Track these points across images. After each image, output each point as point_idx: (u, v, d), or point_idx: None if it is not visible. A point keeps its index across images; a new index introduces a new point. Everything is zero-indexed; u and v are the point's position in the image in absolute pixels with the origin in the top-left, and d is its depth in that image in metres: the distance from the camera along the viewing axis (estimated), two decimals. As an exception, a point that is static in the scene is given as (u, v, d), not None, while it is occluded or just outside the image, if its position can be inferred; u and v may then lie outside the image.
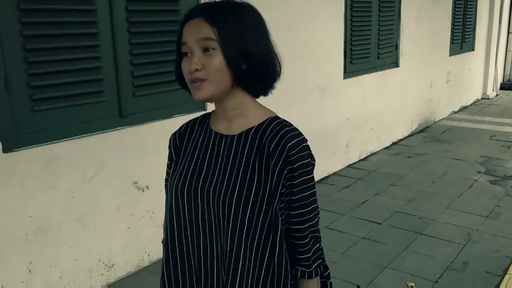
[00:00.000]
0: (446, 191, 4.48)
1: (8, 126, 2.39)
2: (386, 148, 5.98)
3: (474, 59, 8.44)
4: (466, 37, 7.92)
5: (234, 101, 1.14)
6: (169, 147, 1.27)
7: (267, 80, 1.15)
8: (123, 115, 2.90)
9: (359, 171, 5.12)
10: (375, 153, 5.75)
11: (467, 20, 7.79)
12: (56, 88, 2.58)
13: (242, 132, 1.15)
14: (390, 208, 4.11)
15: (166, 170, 1.26)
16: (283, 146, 1.09)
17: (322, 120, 4.75)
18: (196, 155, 1.19)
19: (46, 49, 2.52)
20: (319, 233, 1.21)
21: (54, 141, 2.59)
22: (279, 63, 1.16)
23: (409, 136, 6.52)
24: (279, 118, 1.17)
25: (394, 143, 6.16)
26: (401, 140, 6.32)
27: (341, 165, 5.17)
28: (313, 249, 1.18)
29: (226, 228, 1.10)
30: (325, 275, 1.26)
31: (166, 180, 1.25)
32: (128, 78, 2.91)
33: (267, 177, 1.10)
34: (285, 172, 1.10)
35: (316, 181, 4.70)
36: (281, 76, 1.16)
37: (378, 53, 5.53)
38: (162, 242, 1.23)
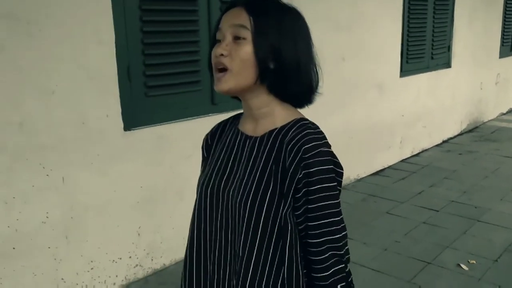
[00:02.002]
0: (499, 184, 4.69)
1: (129, 108, 2.81)
2: (437, 145, 6.20)
3: (523, 62, 8.52)
4: (516, 39, 8.02)
5: (258, 100, 1.10)
6: (202, 147, 1.25)
7: (296, 88, 1.09)
8: (215, 103, 3.29)
9: (412, 166, 5.38)
10: (427, 149, 5.99)
11: (517, 23, 7.89)
12: (164, 78, 2.99)
13: (265, 134, 1.11)
14: (445, 198, 4.36)
15: (201, 170, 1.25)
16: (299, 147, 1.02)
17: (379, 116, 5.04)
18: (222, 155, 1.17)
19: (158, 43, 2.93)
20: (344, 253, 1.07)
21: (162, 123, 3.00)
22: (316, 74, 1.10)
23: (458, 135, 6.71)
24: (304, 119, 1.10)
25: (444, 141, 6.38)
26: (451, 138, 6.53)
27: (395, 160, 5.44)
28: (333, 269, 1.05)
29: (240, 233, 1.07)
30: None
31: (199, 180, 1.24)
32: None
33: (284, 181, 1.04)
34: (301, 175, 1.02)
35: (372, 174, 5.10)
36: (317, 90, 1.11)
37: (432, 54, 5.78)
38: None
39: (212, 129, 1.25)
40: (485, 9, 6.84)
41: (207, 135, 1.25)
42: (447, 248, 3.40)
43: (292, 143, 1.04)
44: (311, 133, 1.04)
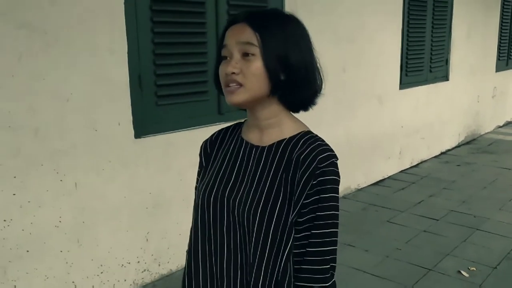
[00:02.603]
0: (497, 195, 4.78)
1: (139, 116, 2.90)
2: (436, 157, 6.30)
3: (519, 76, 8.67)
4: None
5: (268, 111, 1.11)
6: (200, 154, 1.25)
7: (305, 93, 1.11)
8: (222, 113, 3.38)
9: (412, 176, 5.47)
10: (425, 160, 6.09)
11: (513, 37, 8.07)
12: (174, 87, 3.08)
13: (273, 143, 1.12)
14: (445, 207, 4.44)
15: (196, 177, 1.26)
16: (313, 157, 1.05)
17: (379, 127, 5.14)
18: (225, 164, 1.18)
19: (168, 54, 3.03)
20: (335, 264, 1.10)
21: (171, 131, 3.08)
22: (321, 78, 1.14)
23: (456, 147, 6.82)
24: (312, 133, 1.14)
25: (442, 153, 6.48)
26: (449, 150, 6.63)
27: (394, 170, 5.53)
28: (331, 282, 1.08)
29: (250, 240, 1.08)
30: None
31: (196, 188, 1.24)
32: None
33: (293, 190, 1.06)
34: (314, 182, 1.04)
35: (372, 183, 5.18)
36: (321, 91, 1.14)
37: (430, 67, 5.90)
38: (187, 251, 1.21)
39: (211, 136, 1.25)
40: (482, 24, 7.00)
41: (205, 142, 1.25)
42: (447, 256, 3.47)
43: (305, 153, 1.06)
44: (322, 144, 1.08)
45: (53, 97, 2.53)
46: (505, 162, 6.02)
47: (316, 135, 1.12)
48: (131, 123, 2.87)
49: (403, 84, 5.44)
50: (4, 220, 2.41)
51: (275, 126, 1.13)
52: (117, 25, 2.74)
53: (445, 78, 6.29)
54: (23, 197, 2.46)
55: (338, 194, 1.07)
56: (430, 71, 5.92)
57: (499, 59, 7.74)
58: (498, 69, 7.78)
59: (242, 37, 1.05)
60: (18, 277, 2.49)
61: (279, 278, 1.07)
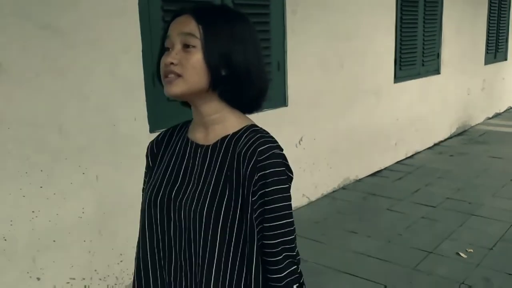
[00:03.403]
0: (490, 182, 4.99)
1: (154, 112, 3.04)
2: (429, 148, 6.51)
3: (506, 69, 8.92)
4: (499, 47, 8.43)
5: (209, 106, 1.09)
6: (146, 155, 1.23)
7: (247, 93, 1.09)
8: (229, 107, 3.53)
9: (407, 167, 5.67)
10: (419, 152, 6.29)
11: (500, 31, 8.31)
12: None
13: (217, 141, 1.10)
14: (441, 195, 4.64)
15: (143, 179, 1.24)
16: (253, 150, 1.03)
17: (376, 120, 5.32)
18: (171, 164, 1.16)
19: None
20: (296, 254, 1.09)
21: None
22: (266, 79, 1.13)
23: (448, 138, 7.03)
24: (256, 126, 1.11)
25: (436, 144, 6.69)
26: (442, 141, 6.84)
27: (390, 161, 5.73)
28: (288, 271, 1.06)
29: (198, 242, 1.05)
30: None
31: (143, 190, 1.22)
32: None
33: (239, 186, 1.04)
34: (256, 178, 1.02)
35: (370, 174, 5.38)
36: (266, 95, 1.13)
37: (423, 61, 6.10)
38: (135, 257, 1.19)
39: (157, 137, 1.23)
40: (471, 20, 7.22)
41: (151, 142, 1.23)
42: (446, 239, 3.66)
43: (246, 147, 1.04)
44: (263, 136, 1.06)
45: (75, 95, 2.67)
46: (496, 151, 6.24)
47: (260, 128, 1.10)
48: (146, 118, 3.02)
49: (398, 78, 5.63)
50: (33, 212, 2.55)
51: (219, 122, 1.11)
52: (132, 27, 2.89)
53: (437, 71, 6.50)
54: (49, 189, 2.60)
55: (284, 184, 1.04)
56: (423, 65, 6.12)
57: (487, 52, 7.98)
58: (487, 62, 8.01)
59: (185, 28, 1.04)
60: (46, 265, 2.63)
61: (233, 277, 1.05)
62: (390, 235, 3.77)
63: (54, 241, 2.65)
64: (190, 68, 1.03)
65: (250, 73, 1.07)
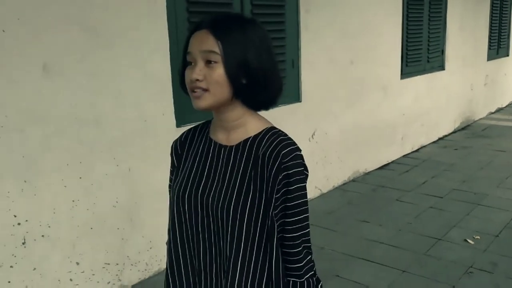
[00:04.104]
0: (494, 174, 5.19)
1: (180, 107, 3.23)
2: (434, 142, 6.70)
3: (509, 64, 9.11)
4: (501, 43, 8.61)
5: (233, 113, 1.17)
6: (171, 154, 1.32)
7: (267, 95, 1.17)
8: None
9: (414, 160, 5.86)
10: (425, 146, 6.48)
11: (502, 28, 8.49)
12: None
13: (240, 142, 1.19)
14: (447, 187, 4.83)
15: (169, 176, 1.33)
16: (277, 153, 1.12)
17: (383, 115, 5.51)
18: (196, 163, 1.24)
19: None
20: (310, 245, 1.21)
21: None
22: (280, 79, 1.21)
23: (452, 132, 7.22)
24: (275, 128, 1.20)
25: (440, 138, 6.88)
26: (446, 135, 7.03)
27: (397, 155, 5.92)
28: (305, 260, 1.18)
29: (225, 234, 1.15)
30: None
31: (170, 186, 1.31)
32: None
33: (263, 185, 1.13)
34: (281, 177, 1.12)
35: (378, 168, 5.57)
36: (282, 92, 1.20)
37: (428, 57, 6.29)
38: (166, 243, 1.29)
39: (180, 137, 1.31)
40: (474, 16, 7.40)
41: (175, 142, 1.31)
42: (453, 227, 3.86)
43: (270, 149, 1.13)
44: (284, 139, 1.15)
45: (110, 92, 2.85)
46: (499, 145, 6.44)
47: (279, 130, 1.19)
48: (173, 113, 3.21)
49: (404, 74, 5.82)
50: (73, 201, 2.74)
51: (240, 126, 1.19)
52: (160, 28, 3.07)
53: (441, 67, 6.68)
54: (87, 180, 2.79)
55: (304, 182, 1.15)
56: (428, 62, 6.31)
57: (490, 48, 8.16)
58: (490, 57, 8.20)
59: (205, 45, 1.10)
60: (84, 251, 2.82)
61: (257, 268, 1.15)
62: (400, 223, 3.97)
63: (91, 228, 2.84)
64: (214, 83, 1.10)
65: (266, 76, 1.15)
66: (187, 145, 1.28)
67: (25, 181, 2.53)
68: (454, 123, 7.30)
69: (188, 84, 1.13)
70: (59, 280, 2.73)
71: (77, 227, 2.78)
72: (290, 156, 1.12)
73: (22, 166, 2.51)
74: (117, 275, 3.01)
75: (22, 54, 2.47)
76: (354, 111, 5.00)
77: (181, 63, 1.18)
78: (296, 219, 1.16)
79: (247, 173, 1.15)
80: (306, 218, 1.18)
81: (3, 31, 2.38)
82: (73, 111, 2.70)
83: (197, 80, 1.10)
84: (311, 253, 1.20)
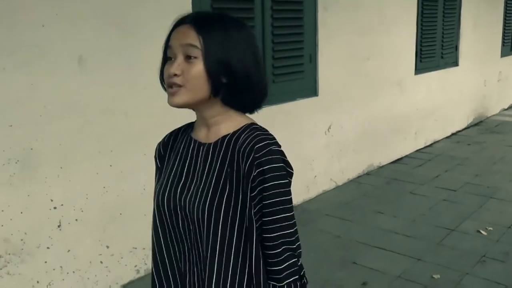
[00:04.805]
0: (507, 169, 5.27)
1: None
2: (447, 137, 6.78)
3: (522, 61, 9.14)
4: (515, 40, 8.65)
5: (212, 110, 1.13)
6: (155, 157, 1.29)
7: (249, 98, 1.13)
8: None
9: (427, 154, 5.95)
10: (438, 141, 6.56)
11: (516, 24, 8.53)
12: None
13: (218, 140, 1.14)
14: (460, 180, 4.92)
15: (155, 181, 1.30)
16: (251, 147, 1.06)
17: (397, 110, 5.61)
18: (176, 163, 1.21)
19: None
20: (296, 247, 1.13)
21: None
22: (265, 84, 1.16)
23: (465, 128, 7.29)
24: (255, 124, 1.15)
25: (453, 134, 6.96)
26: (459, 131, 7.10)
27: (410, 149, 6.01)
28: (287, 263, 1.10)
29: (203, 236, 1.11)
30: None
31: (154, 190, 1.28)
32: (270, 69, 3.87)
33: (239, 183, 1.08)
34: (255, 174, 1.05)
35: (391, 162, 5.67)
36: (266, 96, 1.16)
37: (442, 53, 6.37)
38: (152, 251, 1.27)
39: (164, 138, 1.29)
40: (488, 13, 7.45)
41: (159, 145, 1.29)
42: (467, 219, 3.96)
43: (244, 145, 1.08)
44: (261, 134, 1.09)
45: (139, 84, 2.99)
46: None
47: (259, 126, 1.14)
48: (197, 106, 3.35)
49: (418, 70, 5.91)
50: (104, 187, 2.89)
51: (221, 122, 1.15)
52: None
53: (455, 63, 6.75)
54: (117, 168, 2.94)
55: (283, 180, 1.08)
56: (442, 58, 6.38)
57: (503, 45, 8.20)
58: (503, 54, 8.24)
59: (186, 39, 1.07)
60: (113, 235, 2.97)
61: (236, 270, 1.10)
62: (415, 215, 4.07)
63: (120, 213, 2.99)
64: (192, 79, 1.06)
65: (249, 79, 1.10)
66: (169, 146, 1.26)
67: (61, 168, 2.68)
68: (467, 119, 7.37)
69: (166, 79, 1.10)
70: (90, 262, 2.89)
71: (107, 212, 2.93)
72: (264, 151, 1.06)
73: (59, 153, 2.67)
74: (143, 259, 3.16)
75: (60, 48, 2.62)
76: (369, 105, 5.10)
77: (161, 59, 1.15)
78: (273, 219, 1.09)
79: (223, 171, 1.10)
80: (287, 218, 1.10)
81: (43, 25, 2.53)
82: (105, 103, 2.84)
83: (175, 75, 1.07)
84: (296, 256, 1.12)
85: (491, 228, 3.76)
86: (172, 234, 1.18)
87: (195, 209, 1.10)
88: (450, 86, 6.70)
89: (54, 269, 2.72)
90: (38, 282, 2.66)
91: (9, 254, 2.54)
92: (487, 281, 3.02)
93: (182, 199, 1.14)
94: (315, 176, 4.50)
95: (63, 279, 2.77)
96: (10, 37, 2.43)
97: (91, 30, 2.73)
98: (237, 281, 1.10)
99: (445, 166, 5.45)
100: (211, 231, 1.09)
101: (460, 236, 3.65)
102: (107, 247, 2.96)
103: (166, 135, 1.29)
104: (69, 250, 2.78)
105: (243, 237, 1.09)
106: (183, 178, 1.17)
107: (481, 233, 3.69)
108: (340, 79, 4.64)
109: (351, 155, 4.95)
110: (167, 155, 1.25)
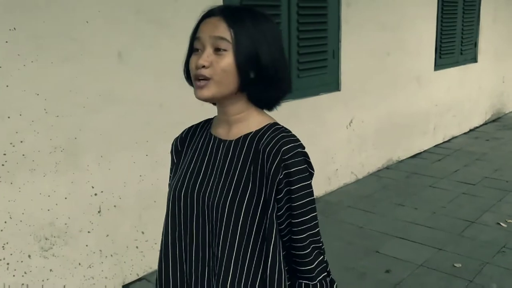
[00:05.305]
0: (526, 164, 5.34)
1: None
2: (465, 133, 6.84)
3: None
4: (534, 37, 8.63)
5: (236, 106, 1.12)
6: (171, 152, 1.27)
7: (274, 93, 1.12)
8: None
9: (445, 150, 6.03)
10: (456, 136, 6.63)
11: (535, 21, 8.52)
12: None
13: (240, 137, 1.12)
14: (479, 175, 5.00)
15: (169, 175, 1.28)
16: (277, 149, 1.04)
17: (417, 105, 5.69)
18: (194, 159, 1.18)
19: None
20: (322, 245, 1.14)
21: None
22: (290, 80, 1.16)
23: (483, 124, 7.33)
24: (278, 124, 1.14)
25: (471, 130, 7.01)
26: (477, 127, 7.16)
27: (429, 145, 6.09)
28: (317, 261, 1.11)
29: (218, 235, 1.08)
30: None
31: (169, 185, 1.24)
32: (295, 65, 3.99)
33: (262, 184, 1.06)
34: (281, 176, 1.04)
35: (410, 156, 5.77)
36: (289, 92, 1.16)
37: (461, 50, 6.42)
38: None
39: (181, 134, 1.27)
40: (507, 10, 7.47)
41: (176, 140, 1.27)
42: (486, 212, 4.05)
43: (270, 146, 1.06)
44: (286, 136, 1.08)
45: (173, 78, 3.12)
46: (531, 137, 6.55)
47: (282, 127, 1.13)
48: (226, 99, 3.48)
49: (437, 66, 5.98)
50: (140, 176, 3.04)
51: (243, 120, 1.13)
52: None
53: (474, 60, 6.80)
54: (152, 157, 3.09)
55: (307, 181, 1.08)
56: (461, 54, 6.44)
57: (522, 42, 8.20)
58: (522, 51, 8.24)
59: (216, 31, 1.05)
60: (148, 221, 3.12)
61: (250, 272, 1.08)
62: (435, 207, 4.17)
63: (154, 201, 3.14)
64: (221, 72, 1.04)
65: (277, 73, 1.09)
66: (187, 141, 1.24)
67: (101, 156, 2.84)
68: (485, 115, 7.41)
69: (193, 71, 1.08)
70: (127, 247, 3.04)
71: (143, 199, 3.08)
72: (292, 153, 1.05)
73: (100, 142, 2.82)
74: (175, 245, 3.31)
75: (101, 43, 2.77)
76: (389, 100, 5.20)
77: (187, 51, 1.13)
78: (302, 220, 1.08)
79: (246, 169, 1.09)
80: (314, 218, 1.11)
81: (87, 22, 2.68)
82: (142, 95, 2.99)
83: (203, 66, 1.05)
84: (323, 254, 1.14)
85: (511, 221, 3.84)
86: (183, 232, 1.16)
87: (215, 205, 1.09)
88: (469, 82, 6.75)
89: (94, 252, 2.88)
90: (80, 264, 2.82)
91: (54, 237, 2.70)
92: (508, 270, 3.11)
93: (201, 195, 1.12)
94: (337, 169, 4.61)
95: (102, 262, 2.93)
96: (58, 33, 2.58)
97: (130, 27, 2.88)
98: (250, 281, 1.09)
99: (464, 161, 5.52)
100: (230, 228, 1.07)
101: (480, 228, 3.74)
102: (143, 233, 3.11)
103: (184, 131, 1.28)
104: (107, 235, 2.94)
105: (260, 237, 1.08)
106: (201, 174, 1.15)
107: (500, 225, 3.78)
108: (362, 74, 4.74)
109: (371, 149, 5.05)
110: (184, 151, 1.24)
